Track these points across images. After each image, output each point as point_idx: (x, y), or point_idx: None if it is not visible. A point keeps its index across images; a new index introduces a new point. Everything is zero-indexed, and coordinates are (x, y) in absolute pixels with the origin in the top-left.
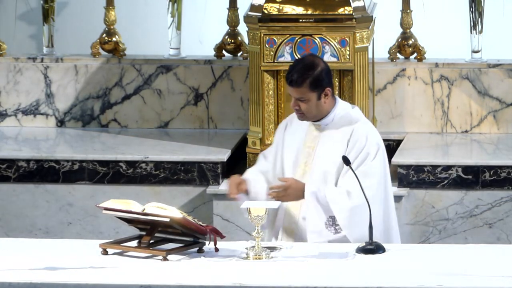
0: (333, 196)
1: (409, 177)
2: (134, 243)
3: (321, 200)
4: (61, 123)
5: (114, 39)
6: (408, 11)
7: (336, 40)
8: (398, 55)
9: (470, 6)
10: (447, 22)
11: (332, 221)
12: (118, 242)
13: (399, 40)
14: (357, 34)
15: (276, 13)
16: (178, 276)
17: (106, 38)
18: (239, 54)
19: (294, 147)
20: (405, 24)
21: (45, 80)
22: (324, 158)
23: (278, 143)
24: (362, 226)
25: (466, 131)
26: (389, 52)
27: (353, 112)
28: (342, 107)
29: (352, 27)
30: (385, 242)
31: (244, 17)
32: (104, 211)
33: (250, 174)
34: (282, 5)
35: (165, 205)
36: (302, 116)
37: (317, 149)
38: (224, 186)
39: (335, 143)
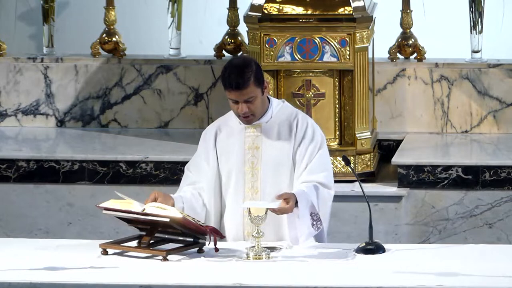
0: (317, 195)
1: (409, 177)
2: (134, 243)
3: (308, 201)
4: (61, 123)
5: (114, 39)
6: (408, 11)
7: (336, 40)
8: (398, 55)
9: (470, 6)
10: (447, 22)
11: (313, 219)
12: (118, 242)
13: (399, 40)
14: (357, 34)
15: (276, 13)
16: (178, 276)
17: (106, 38)
18: (239, 54)
19: (233, 152)
20: (405, 24)
21: (45, 80)
22: (273, 154)
23: (209, 151)
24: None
25: (466, 131)
26: (389, 52)
27: (287, 105)
28: (276, 102)
29: (352, 27)
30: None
31: (244, 17)
32: (104, 211)
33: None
34: (282, 5)
35: (165, 205)
36: (251, 118)
37: (262, 148)
38: None
39: (281, 137)
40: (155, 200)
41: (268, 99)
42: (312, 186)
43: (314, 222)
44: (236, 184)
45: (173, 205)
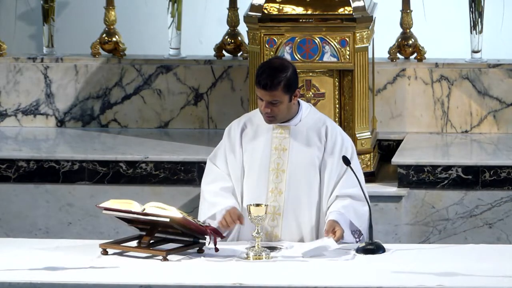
0: (354, 212)
1: (409, 177)
2: (134, 243)
3: (346, 220)
4: (61, 123)
5: (114, 39)
6: (408, 11)
7: (336, 40)
8: (398, 55)
9: (470, 6)
10: (447, 22)
11: (354, 236)
12: (118, 242)
13: (399, 40)
14: (357, 34)
15: (276, 13)
16: (178, 276)
17: (106, 38)
18: (239, 54)
19: (259, 151)
20: (405, 24)
21: (45, 80)
22: (300, 158)
23: (235, 145)
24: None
25: (466, 131)
26: (389, 52)
27: (315, 110)
28: (305, 106)
29: (352, 27)
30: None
31: (244, 17)
32: (104, 211)
33: (229, 201)
34: (282, 5)
35: (165, 205)
36: (272, 119)
37: (290, 150)
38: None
39: (309, 142)
40: (239, 217)
41: (298, 102)
42: (347, 204)
43: (357, 238)
44: (259, 184)
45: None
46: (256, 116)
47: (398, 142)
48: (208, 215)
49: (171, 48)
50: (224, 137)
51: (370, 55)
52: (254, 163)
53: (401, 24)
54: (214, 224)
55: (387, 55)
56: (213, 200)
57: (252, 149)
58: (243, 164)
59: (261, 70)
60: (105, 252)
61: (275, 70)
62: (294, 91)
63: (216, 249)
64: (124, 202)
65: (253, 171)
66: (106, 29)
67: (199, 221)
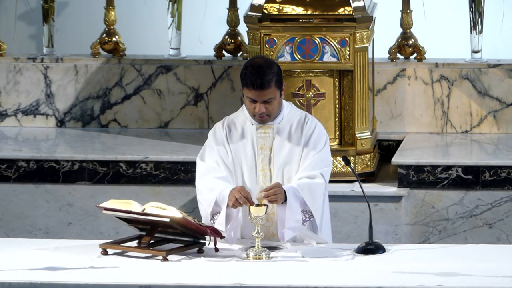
0: (305, 188)
1: (409, 177)
2: (134, 243)
3: (297, 195)
4: (61, 123)
5: (114, 39)
6: (408, 11)
7: (336, 40)
8: (398, 55)
9: (470, 6)
10: (447, 22)
11: (305, 216)
12: (118, 242)
13: (399, 40)
14: (357, 34)
15: (276, 13)
16: (178, 276)
17: (106, 38)
18: (239, 54)
19: (245, 153)
20: (405, 24)
21: (45, 80)
22: (286, 156)
23: (224, 144)
24: (320, 199)
25: (466, 131)
26: (389, 52)
27: (295, 107)
28: (286, 104)
29: (352, 27)
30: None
31: (244, 17)
32: (104, 211)
33: (227, 184)
34: (282, 5)
35: (165, 205)
36: (266, 119)
37: (275, 149)
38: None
39: (292, 139)
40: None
41: None
42: (302, 183)
43: (307, 218)
44: (248, 186)
45: None
46: (238, 118)
47: (398, 142)
48: (210, 200)
49: (171, 48)
50: (209, 137)
51: (370, 55)
52: (241, 166)
53: (401, 24)
54: (222, 208)
55: (387, 55)
56: (211, 187)
57: (238, 151)
58: (236, 165)
59: (249, 71)
60: (105, 252)
61: (263, 68)
62: (282, 85)
63: (216, 249)
64: (124, 202)
65: (241, 174)
66: (106, 29)
67: (199, 221)
